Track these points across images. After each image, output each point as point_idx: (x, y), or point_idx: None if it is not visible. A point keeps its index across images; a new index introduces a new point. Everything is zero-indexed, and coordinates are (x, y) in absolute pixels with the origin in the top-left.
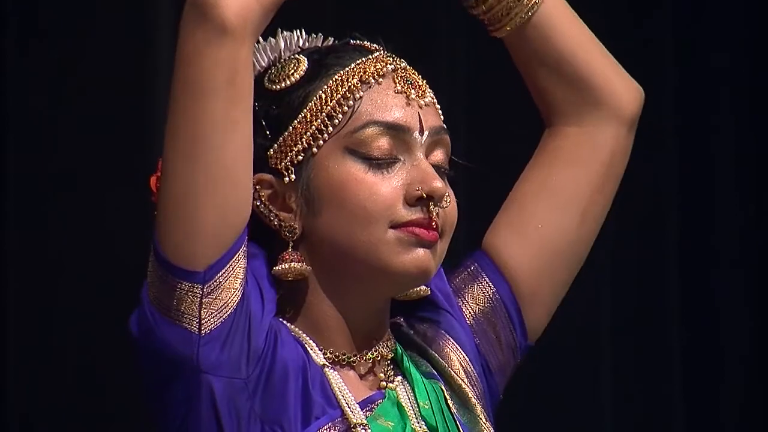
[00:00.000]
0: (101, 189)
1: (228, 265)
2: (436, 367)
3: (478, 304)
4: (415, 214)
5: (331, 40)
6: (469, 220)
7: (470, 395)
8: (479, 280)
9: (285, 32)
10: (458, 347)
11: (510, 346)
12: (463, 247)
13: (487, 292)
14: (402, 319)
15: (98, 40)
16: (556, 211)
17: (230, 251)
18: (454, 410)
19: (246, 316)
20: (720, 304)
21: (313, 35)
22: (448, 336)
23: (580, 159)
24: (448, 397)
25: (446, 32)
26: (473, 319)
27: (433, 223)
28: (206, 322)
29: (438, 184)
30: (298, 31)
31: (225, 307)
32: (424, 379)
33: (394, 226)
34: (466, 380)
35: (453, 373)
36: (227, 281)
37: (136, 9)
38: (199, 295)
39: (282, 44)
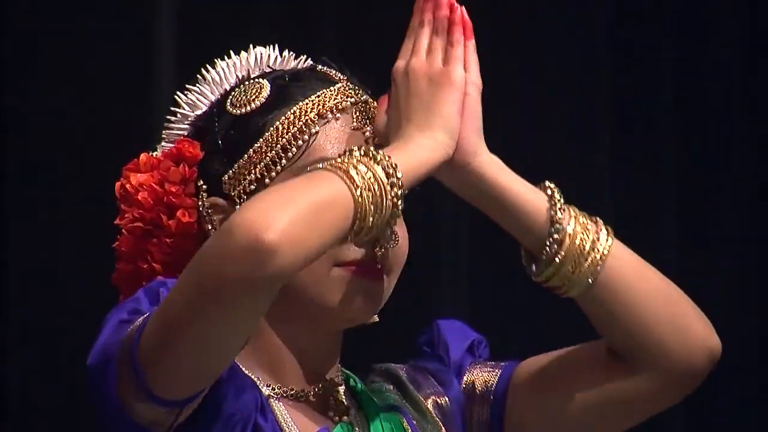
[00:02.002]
0: (102, 190)
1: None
2: (411, 401)
3: (475, 388)
4: (359, 254)
5: (303, 58)
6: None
7: (443, 428)
8: (491, 376)
9: (258, 48)
10: (441, 390)
11: None
12: (467, 248)
13: (489, 385)
14: (402, 365)
15: (99, 40)
16: (568, 406)
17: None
18: None
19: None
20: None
21: (286, 54)
22: (434, 381)
23: (608, 388)
24: (409, 427)
25: None
26: (462, 393)
27: (378, 265)
28: (176, 424)
29: None
30: (271, 47)
31: (195, 406)
32: (381, 414)
33: (339, 264)
34: (440, 416)
35: (429, 407)
36: (204, 392)
37: (136, 8)
38: (175, 414)
39: (252, 61)
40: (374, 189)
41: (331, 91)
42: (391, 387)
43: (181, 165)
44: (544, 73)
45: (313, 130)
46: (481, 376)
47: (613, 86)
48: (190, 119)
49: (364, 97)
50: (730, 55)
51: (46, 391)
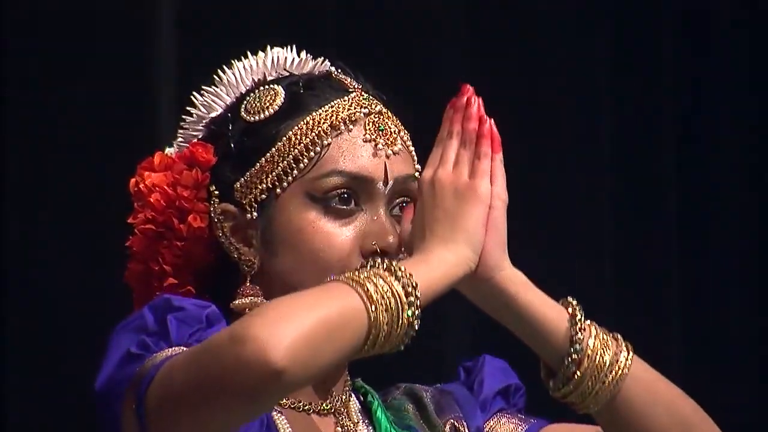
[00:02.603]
0: (102, 190)
1: None
2: (429, 424)
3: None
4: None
5: (320, 60)
6: None
7: None
8: (517, 428)
9: (275, 49)
10: (462, 416)
11: None
12: None
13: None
14: (427, 387)
15: (100, 39)
16: None
17: None
18: None
19: None
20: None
21: (303, 55)
22: (457, 406)
23: None
24: None
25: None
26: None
27: None
28: None
29: (392, 240)
30: (288, 48)
31: None
32: (394, 430)
33: None
34: None
35: (447, 430)
36: None
37: (136, 8)
38: None
39: (269, 64)
40: (391, 307)
41: (344, 101)
42: (411, 407)
43: (195, 169)
44: (544, 74)
45: (326, 142)
46: (508, 425)
47: (613, 86)
48: (205, 121)
49: (378, 107)
50: (731, 56)
51: (46, 390)
